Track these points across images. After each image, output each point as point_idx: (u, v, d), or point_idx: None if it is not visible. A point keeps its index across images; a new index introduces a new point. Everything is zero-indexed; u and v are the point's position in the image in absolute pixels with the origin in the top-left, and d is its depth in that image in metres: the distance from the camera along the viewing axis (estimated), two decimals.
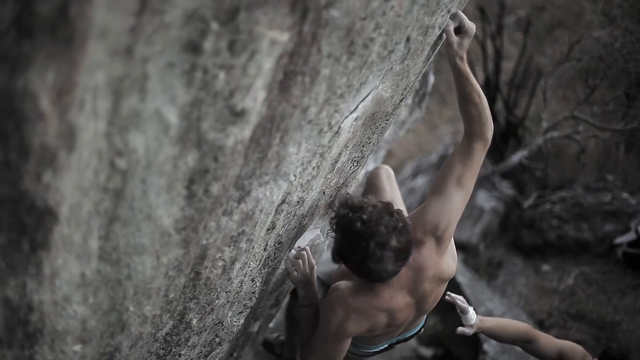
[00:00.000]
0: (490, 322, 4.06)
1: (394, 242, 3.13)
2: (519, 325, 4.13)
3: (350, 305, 3.46)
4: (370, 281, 3.35)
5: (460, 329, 3.91)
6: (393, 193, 4.55)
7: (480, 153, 3.45)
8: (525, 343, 4.08)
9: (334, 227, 3.23)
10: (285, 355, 5.28)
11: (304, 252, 3.66)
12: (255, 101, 2.11)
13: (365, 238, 3.10)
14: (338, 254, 3.30)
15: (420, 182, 10.59)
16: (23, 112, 1.60)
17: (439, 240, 3.46)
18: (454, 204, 3.45)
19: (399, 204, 4.46)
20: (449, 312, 7.94)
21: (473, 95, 3.31)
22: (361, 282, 3.44)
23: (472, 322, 3.94)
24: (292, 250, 3.70)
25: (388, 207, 3.21)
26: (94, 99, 1.73)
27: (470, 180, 3.46)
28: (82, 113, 1.72)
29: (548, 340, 4.06)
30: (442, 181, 3.46)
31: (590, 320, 8.32)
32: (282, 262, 3.72)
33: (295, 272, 3.66)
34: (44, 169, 1.74)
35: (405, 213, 4.41)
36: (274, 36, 1.99)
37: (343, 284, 3.54)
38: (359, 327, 3.52)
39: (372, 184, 4.60)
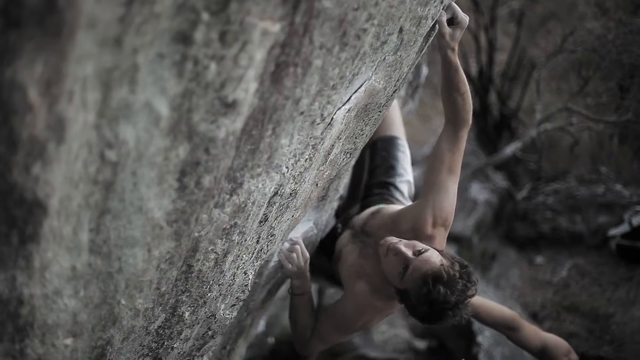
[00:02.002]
0: (475, 299, 4.05)
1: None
2: (505, 311, 4.12)
3: (377, 308, 3.68)
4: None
5: None
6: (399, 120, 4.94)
7: (465, 138, 3.61)
8: (509, 331, 4.08)
9: (422, 292, 3.31)
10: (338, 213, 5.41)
11: (298, 245, 3.72)
12: (246, 92, 2.09)
13: (451, 307, 3.30)
14: (412, 311, 3.47)
15: (414, 174, 10.59)
16: (11, 103, 1.58)
17: (446, 230, 3.65)
18: (453, 192, 3.59)
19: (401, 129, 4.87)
20: None
21: (460, 85, 3.40)
22: (383, 286, 3.64)
23: None
24: (285, 242, 3.70)
25: (470, 275, 3.37)
26: (83, 90, 1.71)
27: (459, 166, 3.62)
28: (71, 104, 1.70)
29: (532, 332, 4.05)
30: (436, 174, 3.56)
31: (584, 312, 8.33)
32: (276, 255, 3.71)
33: (290, 265, 3.73)
34: (33, 161, 1.72)
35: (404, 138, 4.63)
36: (265, 27, 1.98)
37: (366, 289, 3.67)
38: (378, 322, 3.87)
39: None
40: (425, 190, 3.64)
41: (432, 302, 3.28)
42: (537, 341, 4.02)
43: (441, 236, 3.63)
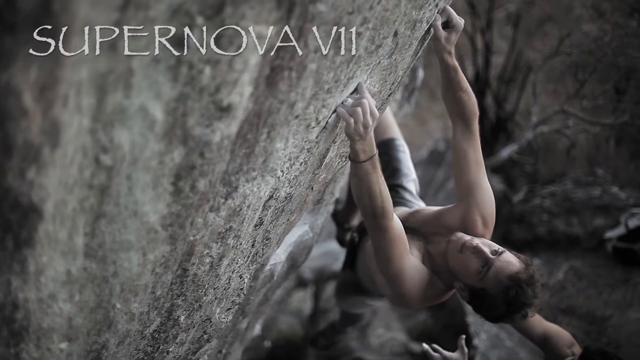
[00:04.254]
0: None
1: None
2: None
3: (426, 293, 3.60)
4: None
5: None
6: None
7: (478, 128, 3.62)
8: None
9: (509, 294, 3.33)
10: (339, 218, 5.41)
11: (365, 99, 2.98)
12: (241, 96, 2.10)
13: (527, 308, 3.40)
14: (486, 309, 3.51)
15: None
16: (6, 108, 1.58)
17: (492, 227, 3.70)
18: (488, 185, 3.67)
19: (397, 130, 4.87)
20: (439, 308, 7.96)
21: (462, 83, 3.44)
22: (433, 279, 3.60)
23: None
24: (349, 98, 3.02)
25: (539, 274, 3.43)
26: (77, 94, 1.72)
27: (482, 157, 3.64)
28: (66, 109, 1.70)
29: (535, 320, 4.01)
30: (467, 174, 3.61)
31: (581, 315, 8.32)
32: (272, 256, 3.55)
33: (353, 123, 2.97)
34: (28, 166, 1.72)
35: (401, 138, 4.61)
36: (260, 30, 1.98)
37: (422, 279, 3.54)
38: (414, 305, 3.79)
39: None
40: (462, 192, 3.65)
41: (514, 303, 3.33)
42: (540, 330, 3.99)
43: (490, 233, 3.66)
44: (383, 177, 3.21)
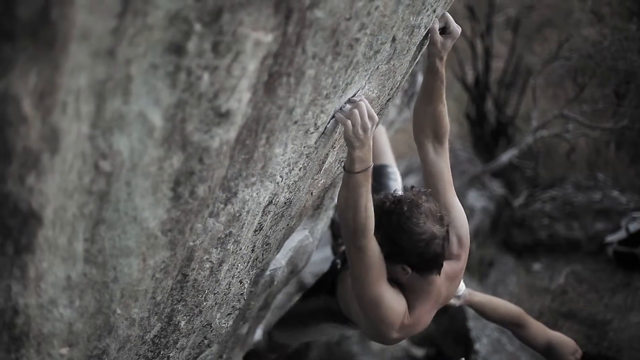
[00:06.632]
0: (481, 297, 4.03)
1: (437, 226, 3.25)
2: (510, 307, 4.09)
3: (404, 322, 3.47)
4: (421, 272, 3.36)
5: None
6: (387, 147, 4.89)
7: (447, 146, 3.57)
8: (516, 327, 4.05)
9: (384, 223, 3.23)
10: (335, 230, 5.33)
11: (363, 102, 2.97)
12: (240, 102, 2.11)
13: (412, 218, 3.20)
14: (390, 247, 3.29)
15: (411, 182, 10.55)
16: (5, 115, 1.59)
17: (468, 246, 3.63)
18: (460, 204, 3.61)
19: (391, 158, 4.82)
20: (440, 313, 7.97)
21: (443, 96, 3.41)
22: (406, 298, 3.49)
23: (460, 294, 3.91)
24: (346, 105, 3.00)
25: (419, 196, 3.28)
26: (76, 101, 1.73)
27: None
28: (65, 116, 1.71)
29: (539, 329, 4.02)
30: (443, 195, 3.55)
31: (582, 319, 8.32)
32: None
33: (351, 126, 2.94)
34: (27, 172, 1.73)
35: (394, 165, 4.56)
36: (258, 37, 1.99)
37: (399, 306, 3.46)
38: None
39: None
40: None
41: (388, 219, 3.26)
42: (544, 338, 3.99)
43: (466, 253, 3.61)
44: (371, 194, 3.17)
